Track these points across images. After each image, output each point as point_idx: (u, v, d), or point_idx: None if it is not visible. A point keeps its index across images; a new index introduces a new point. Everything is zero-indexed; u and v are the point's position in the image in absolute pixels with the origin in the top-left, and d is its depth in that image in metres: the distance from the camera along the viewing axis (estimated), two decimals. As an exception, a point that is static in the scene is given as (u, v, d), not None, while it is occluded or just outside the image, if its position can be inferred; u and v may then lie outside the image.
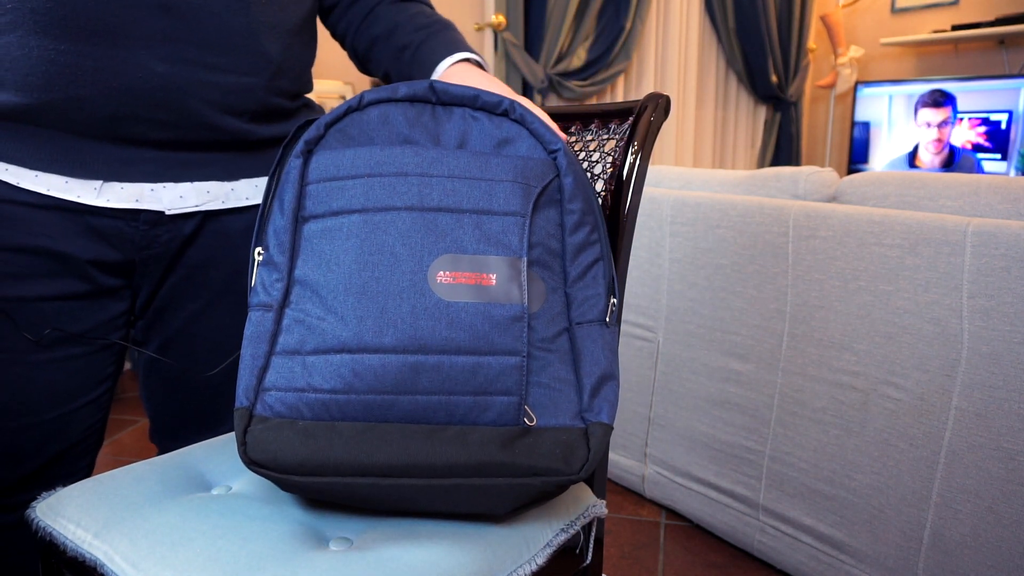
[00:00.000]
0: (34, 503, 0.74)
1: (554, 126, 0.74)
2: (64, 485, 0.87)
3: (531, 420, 0.63)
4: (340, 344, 0.62)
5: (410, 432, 0.62)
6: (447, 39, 0.88)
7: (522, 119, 0.72)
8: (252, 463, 0.62)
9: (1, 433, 0.81)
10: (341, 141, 0.70)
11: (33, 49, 0.72)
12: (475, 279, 0.64)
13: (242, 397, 0.64)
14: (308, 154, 0.69)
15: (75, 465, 0.88)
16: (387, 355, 0.62)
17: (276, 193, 0.69)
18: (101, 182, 0.79)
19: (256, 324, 0.66)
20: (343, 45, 0.99)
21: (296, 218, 0.68)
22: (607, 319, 0.69)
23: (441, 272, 0.64)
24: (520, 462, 0.61)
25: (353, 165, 0.68)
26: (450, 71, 0.85)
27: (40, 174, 0.77)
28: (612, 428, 0.65)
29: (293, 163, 0.69)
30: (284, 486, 0.63)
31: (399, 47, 0.90)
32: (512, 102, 0.72)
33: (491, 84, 0.82)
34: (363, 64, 0.97)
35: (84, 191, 0.79)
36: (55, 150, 0.77)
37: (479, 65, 0.88)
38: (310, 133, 0.70)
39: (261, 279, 0.67)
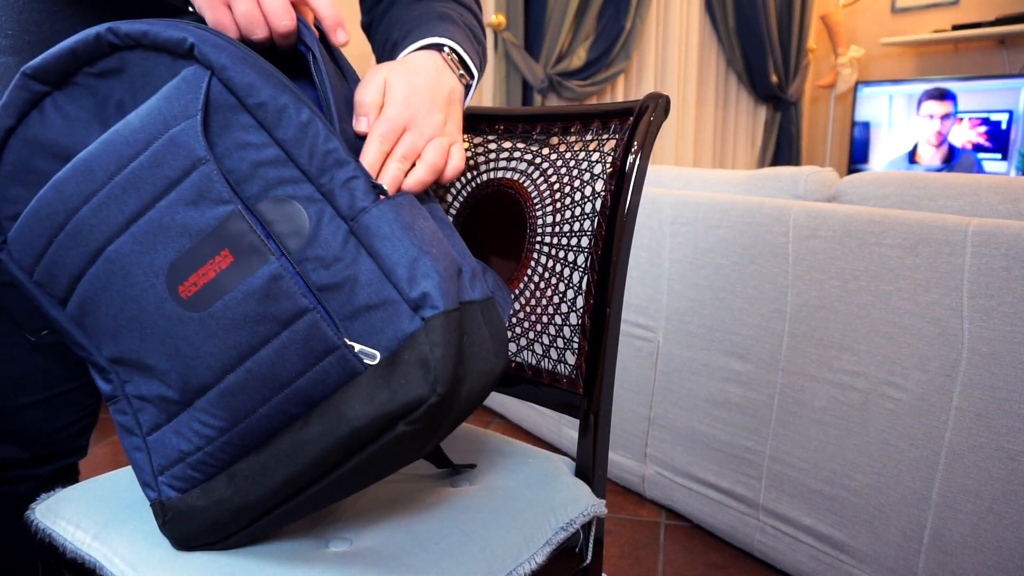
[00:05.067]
0: (33, 504, 0.74)
1: None
2: (64, 461, 0.90)
3: (373, 358, 0.54)
4: (175, 405, 0.60)
5: (279, 446, 0.57)
6: (420, 31, 0.74)
7: (133, 39, 0.56)
8: (187, 548, 0.62)
9: (4, 413, 0.83)
10: (23, 204, 0.60)
11: None
12: (212, 269, 0.55)
13: (148, 492, 0.63)
14: (3, 246, 0.61)
15: (75, 443, 0.91)
16: (207, 393, 0.57)
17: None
18: None
19: (116, 418, 0.64)
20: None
21: (55, 307, 0.61)
22: (375, 193, 0.57)
23: (181, 286, 0.55)
24: (376, 416, 0.53)
25: (34, 233, 0.59)
26: (406, 57, 0.72)
27: None
28: (455, 311, 0.55)
29: (4, 266, 0.62)
30: (224, 547, 0.63)
31: (392, 44, 0.79)
32: (109, 27, 0.57)
33: (424, 73, 0.67)
34: None
35: None
36: None
37: (456, 49, 0.73)
38: None
39: (92, 372, 0.64)
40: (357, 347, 0.55)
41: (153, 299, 0.56)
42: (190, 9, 0.62)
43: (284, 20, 0.60)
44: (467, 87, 0.73)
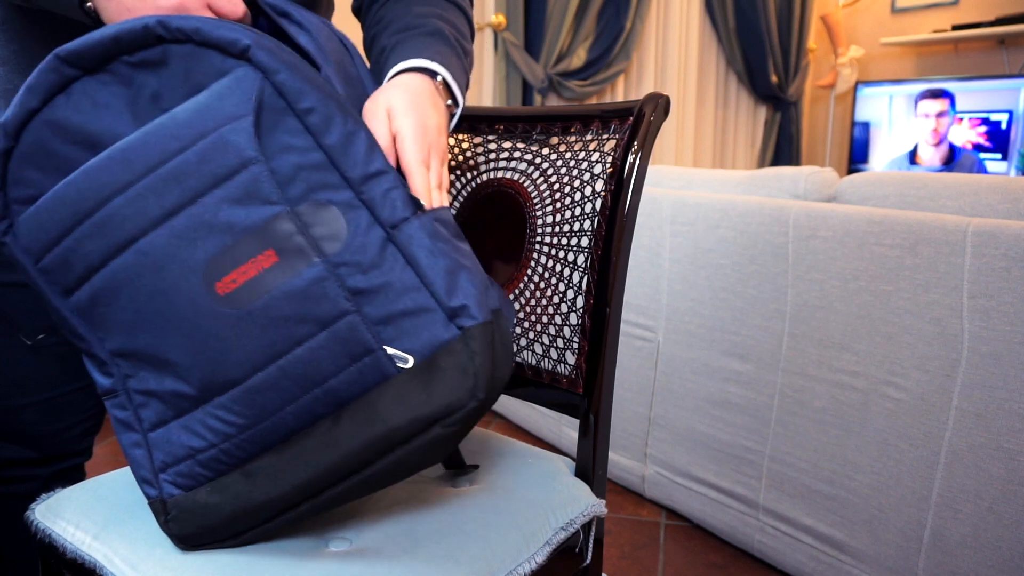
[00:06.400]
0: (33, 504, 0.74)
1: (230, 7, 0.59)
2: (68, 463, 0.91)
3: (405, 361, 0.56)
4: (189, 402, 0.59)
5: (308, 442, 0.58)
6: (413, 46, 0.72)
7: (184, 34, 0.55)
8: (191, 548, 0.62)
9: (4, 412, 0.84)
10: (36, 188, 0.58)
11: (18, 88, 0.75)
12: (254, 268, 0.55)
13: (148, 489, 0.62)
14: (9, 230, 0.59)
15: (79, 445, 0.91)
16: (231, 390, 0.57)
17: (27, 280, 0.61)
18: None
19: (114, 413, 0.62)
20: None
21: (59, 295, 0.60)
22: (416, 207, 0.58)
23: (219, 283, 0.55)
24: (416, 419, 0.55)
25: (54, 219, 0.57)
26: (404, 80, 0.69)
27: None
28: (490, 323, 0.57)
29: (5, 249, 0.60)
30: (234, 545, 0.62)
31: (379, 50, 0.77)
32: (159, 20, 0.55)
33: (423, 100, 0.66)
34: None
35: None
36: None
37: (448, 75, 0.71)
38: None
39: (88, 365, 0.63)
40: (390, 350, 0.56)
41: (186, 294, 0.56)
42: None
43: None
44: (452, 115, 0.74)
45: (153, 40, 0.56)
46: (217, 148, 0.54)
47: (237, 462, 0.60)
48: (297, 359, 0.56)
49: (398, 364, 0.56)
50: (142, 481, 0.62)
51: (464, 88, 0.74)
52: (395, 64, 0.70)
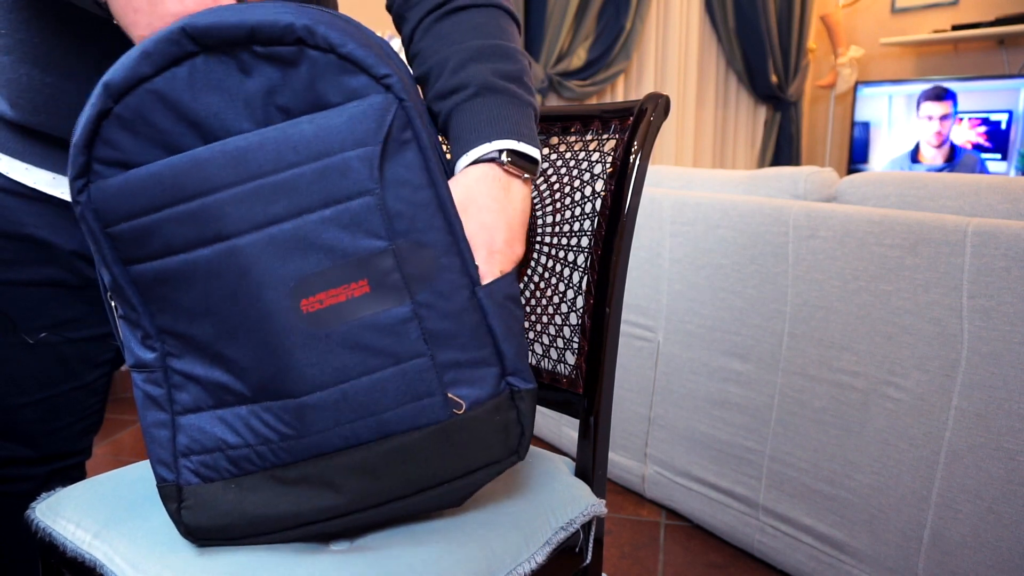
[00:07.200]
0: (33, 503, 0.75)
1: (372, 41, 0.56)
2: (67, 462, 0.91)
3: (459, 408, 0.59)
4: (234, 397, 0.59)
5: (344, 466, 0.59)
6: (473, 121, 0.65)
7: (329, 45, 0.54)
8: (198, 540, 0.61)
9: (1, 411, 0.83)
10: (123, 153, 0.56)
11: (23, 76, 0.75)
12: (344, 293, 0.55)
13: (163, 472, 0.61)
14: (84, 189, 0.56)
15: (78, 444, 0.91)
16: (286, 400, 0.57)
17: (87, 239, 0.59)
18: None
19: (144, 388, 0.61)
20: None
21: (118, 261, 0.58)
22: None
23: (305, 300, 0.55)
24: (457, 466, 0.60)
25: (146, 194, 0.55)
26: (461, 178, 0.64)
27: (30, 167, 0.79)
28: (536, 389, 0.62)
29: (75, 207, 0.57)
30: (240, 544, 0.62)
31: (430, 110, 0.69)
32: (306, 25, 0.54)
33: (489, 209, 0.62)
34: None
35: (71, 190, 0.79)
36: (44, 151, 0.79)
37: (516, 161, 0.65)
38: (73, 168, 0.56)
39: (126, 336, 0.60)
40: (450, 395, 0.59)
41: (267, 303, 0.55)
42: None
43: None
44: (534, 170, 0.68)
45: (291, 40, 0.54)
46: (338, 171, 0.54)
47: (268, 466, 0.60)
48: (362, 387, 0.57)
49: (453, 410, 0.59)
50: (158, 462, 0.61)
51: (537, 140, 0.67)
52: (460, 151, 0.65)
